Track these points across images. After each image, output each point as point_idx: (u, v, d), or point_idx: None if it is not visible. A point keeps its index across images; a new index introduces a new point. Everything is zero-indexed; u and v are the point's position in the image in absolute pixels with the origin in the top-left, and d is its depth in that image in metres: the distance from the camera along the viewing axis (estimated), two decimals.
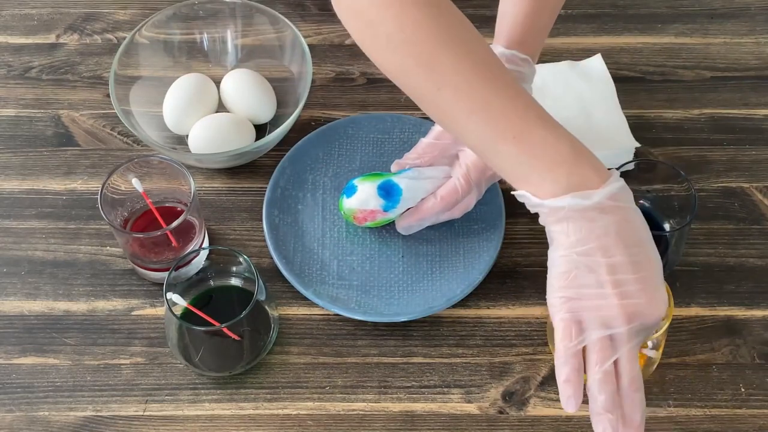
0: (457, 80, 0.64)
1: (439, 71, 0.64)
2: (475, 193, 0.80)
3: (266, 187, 0.87)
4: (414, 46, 0.64)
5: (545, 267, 0.84)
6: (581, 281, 0.62)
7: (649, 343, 0.75)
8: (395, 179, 0.81)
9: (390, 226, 0.85)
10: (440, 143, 0.81)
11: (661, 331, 0.71)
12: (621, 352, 0.62)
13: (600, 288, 0.61)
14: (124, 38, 0.91)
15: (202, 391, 0.77)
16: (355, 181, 0.82)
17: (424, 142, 0.82)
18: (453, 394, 0.77)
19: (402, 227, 0.83)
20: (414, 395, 0.77)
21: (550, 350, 0.79)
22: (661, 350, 0.74)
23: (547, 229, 0.65)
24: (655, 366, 0.75)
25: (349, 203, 0.82)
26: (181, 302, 0.74)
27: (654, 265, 0.64)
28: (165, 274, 0.76)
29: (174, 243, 0.80)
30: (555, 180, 0.62)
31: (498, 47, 0.80)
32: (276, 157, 0.90)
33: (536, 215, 0.88)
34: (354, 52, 1.01)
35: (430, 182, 0.80)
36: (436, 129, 0.81)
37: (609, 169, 0.65)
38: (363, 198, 0.81)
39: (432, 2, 0.65)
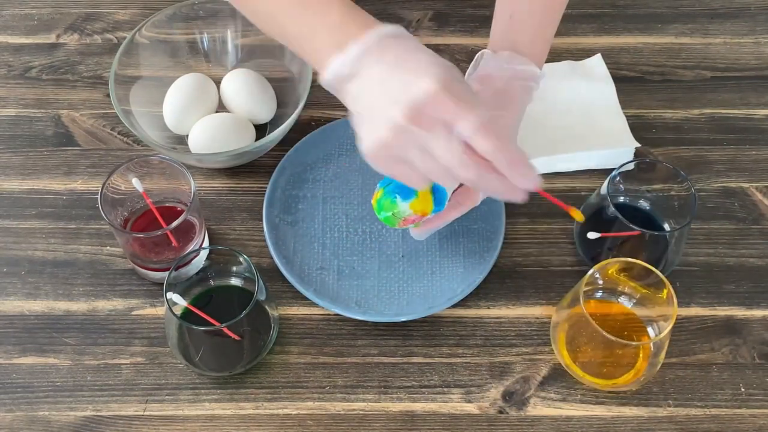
0: None
1: None
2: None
3: (266, 187, 0.87)
4: None
5: (545, 267, 0.85)
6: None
7: (654, 343, 0.75)
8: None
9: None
10: None
11: (665, 333, 0.71)
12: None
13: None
14: (124, 38, 0.91)
15: (202, 391, 0.77)
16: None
17: None
18: (453, 394, 0.77)
19: (419, 233, 0.79)
20: (414, 395, 0.77)
21: (552, 350, 0.79)
22: (664, 351, 0.74)
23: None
24: (658, 367, 0.75)
25: (406, 206, 0.75)
26: (181, 302, 0.74)
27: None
28: (165, 274, 0.76)
29: (174, 243, 0.80)
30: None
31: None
32: (276, 157, 0.90)
33: (536, 215, 0.88)
34: None
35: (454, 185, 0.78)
36: None
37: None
38: (421, 201, 0.75)
39: None
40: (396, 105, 0.58)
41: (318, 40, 0.64)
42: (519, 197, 0.63)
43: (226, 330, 0.73)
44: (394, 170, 0.63)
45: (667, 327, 0.71)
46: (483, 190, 0.62)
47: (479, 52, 0.81)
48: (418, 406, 0.77)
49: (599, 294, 0.80)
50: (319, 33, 0.64)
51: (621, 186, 0.84)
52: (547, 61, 0.97)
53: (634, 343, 0.76)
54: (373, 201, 0.75)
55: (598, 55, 0.99)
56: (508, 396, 0.77)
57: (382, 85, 0.60)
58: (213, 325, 0.74)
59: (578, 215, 0.74)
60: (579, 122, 0.93)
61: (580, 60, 0.99)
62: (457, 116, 0.58)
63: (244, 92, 0.91)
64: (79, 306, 0.82)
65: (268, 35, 0.72)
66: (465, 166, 0.59)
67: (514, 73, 0.78)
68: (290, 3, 0.66)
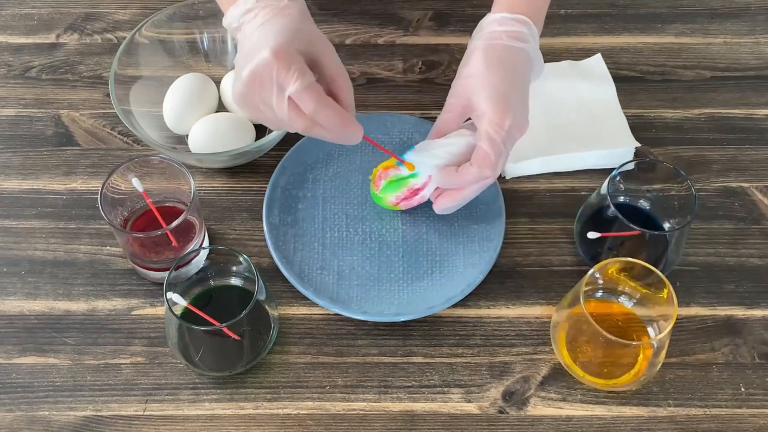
0: None
1: None
2: (504, 153, 0.77)
3: (266, 187, 0.87)
4: None
5: (545, 267, 0.85)
6: None
7: (654, 343, 0.75)
8: (405, 155, 0.82)
9: (390, 225, 0.86)
10: (452, 116, 0.81)
11: (665, 333, 0.71)
12: None
13: None
14: (124, 38, 0.91)
15: (202, 390, 0.77)
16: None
17: (440, 119, 0.82)
18: (453, 393, 0.77)
19: (441, 208, 0.81)
20: (414, 395, 0.77)
21: (552, 350, 0.79)
22: (664, 351, 0.74)
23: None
24: (658, 367, 0.75)
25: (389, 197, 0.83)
26: (181, 302, 0.74)
27: None
28: (165, 274, 0.76)
29: (174, 243, 0.80)
30: None
31: (491, 15, 0.82)
32: (276, 157, 0.90)
33: (536, 215, 0.88)
34: (354, 52, 1.01)
35: (444, 148, 0.79)
36: (448, 103, 0.81)
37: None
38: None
39: None
40: (245, 68, 0.71)
41: None
42: (349, 142, 0.75)
43: (226, 330, 0.73)
44: (252, 113, 0.75)
45: (667, 327, 0.71)
46: (317, 136, 0.74)
47: (485, 17, 0.83)
48: (418, 406, 0.77)
49: (599, 294, 0.80)
50: None
51: (621, 186, 0.84)
52: (548, 61, 0.98)
53: (634, 343, 0.76)
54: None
55: (598, 55, 0.99)
56: (508, 396, 0.77)
57: (247, 44, 0.73)
58: (213, 325, 0.74)
59: (410, 166, 0.81)
60: (579, 122, 0.93)
61: (580, 60, 0.99)
62: (285, 81, 0.70)
63: None
64: (79, 306, 0.82)
65: None
66: (292, 120, 0.72)
67: (511, 35, 0.80)
68: None
